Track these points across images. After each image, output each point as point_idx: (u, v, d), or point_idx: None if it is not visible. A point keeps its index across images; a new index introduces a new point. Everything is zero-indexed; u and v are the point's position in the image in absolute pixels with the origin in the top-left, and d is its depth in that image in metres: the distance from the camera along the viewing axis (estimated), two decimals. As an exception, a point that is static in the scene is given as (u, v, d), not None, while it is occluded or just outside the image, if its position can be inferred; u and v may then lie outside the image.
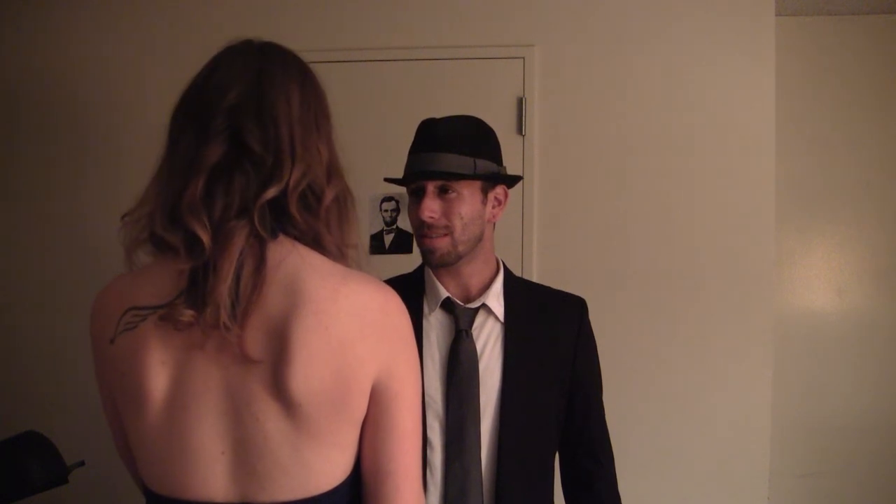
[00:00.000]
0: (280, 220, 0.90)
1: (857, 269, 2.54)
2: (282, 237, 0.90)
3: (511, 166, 1.48)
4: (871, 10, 2.47)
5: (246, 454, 0.87)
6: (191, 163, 0.89)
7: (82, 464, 1.46)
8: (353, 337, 0.87)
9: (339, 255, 0.94)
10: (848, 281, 2.54)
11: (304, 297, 0.86)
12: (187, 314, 0.84)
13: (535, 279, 2.05)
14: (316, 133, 0.94)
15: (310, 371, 0.85)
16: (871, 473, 2.48)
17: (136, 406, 0.89)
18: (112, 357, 0.91)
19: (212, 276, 0.84)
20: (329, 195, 0.92)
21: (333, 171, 0.95)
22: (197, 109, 0.92)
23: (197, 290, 0.85)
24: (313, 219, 0.92)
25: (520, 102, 2.19)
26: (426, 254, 1.36)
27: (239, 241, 0.86)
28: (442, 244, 1.33)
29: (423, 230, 1.34)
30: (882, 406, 2.50)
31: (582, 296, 1.48)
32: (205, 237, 0.85)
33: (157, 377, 0.87)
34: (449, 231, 1.32)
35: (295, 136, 0.91)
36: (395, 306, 0.93)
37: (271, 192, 0.88)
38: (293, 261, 0.89)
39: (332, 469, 0.90)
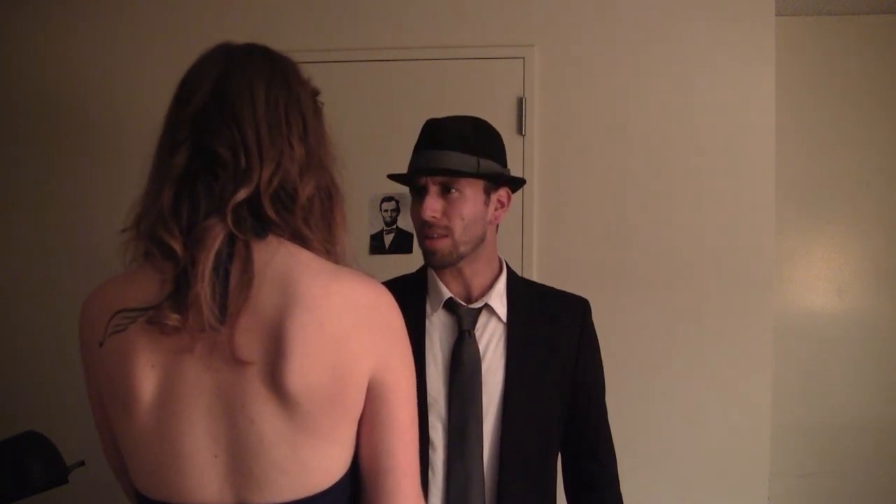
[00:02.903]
0: (262, 221, 0.90)
1: (857, 269, 2.54)
2: (270, 237, 0.90)
3: (511, 166, 1.48)
4: (871, 10, 2.47)
5: (241, 457, 0.86)
6: (162, 174, 0.90)
7: (82, 464, 1.46)
8: (347, 333, 0.88)
9: (325, 252, 0.94)
10: (848, 281, 2.54)
11: (296, 294, 0.86)
12: (173, 318, 0.84)
13: (535, 279, 2.05)
14: (286, 129, 0.93)
15: (307, 368, 0.85)
16: (871, 473, 2.48)
17: (125, 410, 0.89)
18: (100, 360, 0.91)
19: (191, 278, 0.85)
20: (303, 192, 0.92)
21: (310, 166, 0.94)
22: (168, 121, 0.93)
23: (181, 294, 0.85)
24: (291, 217, 0.91)
25: (520, 102, 2.19)
26: (427, 255, 1.36)
27: (212, 241, 0.86)
28: (443, 245, 1.32)
29: (424, 230, 1.33)
30: (882, 406, 2.50)
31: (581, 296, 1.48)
32: (175, 245, 0.86)
33: (146, 380, 0.87)
34: (449, 232, 1.32)
35: (261, 135, 0.91)
36: (385, 301, 0.94)
37: (242, 194, 0.88)
38: (282, 259, 0.89)
39: (329, 466, 0.90)
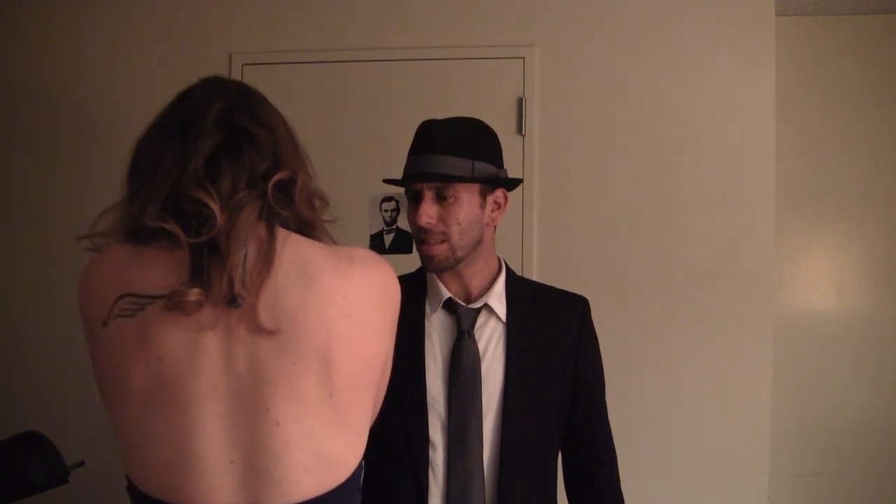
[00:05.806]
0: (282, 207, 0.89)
1: (857, 269, 2.54)
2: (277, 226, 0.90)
3: (511, 166, 1.48)
4: (871, 10, 2.46)
5: (262, 461, 0.84)
6: (184, 155, 0.85)
7: (82, 464, 1.46)
8: (372, 320, 0.90)
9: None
10: (848, 281, 2.54)
11: (319, 282, 0.86)
12: (194, 293, 0.79)
13: (535, 279, 2.04)
14: (299, 145, 0.94)
15: (343, 360, 0.86)
16: (871, 473, 2.48)
17: (122, 396, 0.85)
18: (103, 341, 0.86)
19: (224, 247, 0.80)
20: (322, 212, 0.94)
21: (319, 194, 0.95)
22: (180, 122, 0.88)
23: (202, 271, 0.80)
24: (313, 220, 0.92)
25: (520, 102, 2.19)
26: (424, 260, 1.36)
27: (251, 214, 0.83)
28: (439, 251, 1.32)
29: (420, 236, 1.33)
30: (881, 406, 2.49)
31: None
32: (214, 207, 0.81)
33: (152, 373, 0.82)
34: (446, 237, 1.31)
35: (289, 143, 0.92)
36: (393, 280, 0.96)
37: (281, 175, 0.87)
38: (294, 244, 0.88)
39: (349, 458, 0.90)
